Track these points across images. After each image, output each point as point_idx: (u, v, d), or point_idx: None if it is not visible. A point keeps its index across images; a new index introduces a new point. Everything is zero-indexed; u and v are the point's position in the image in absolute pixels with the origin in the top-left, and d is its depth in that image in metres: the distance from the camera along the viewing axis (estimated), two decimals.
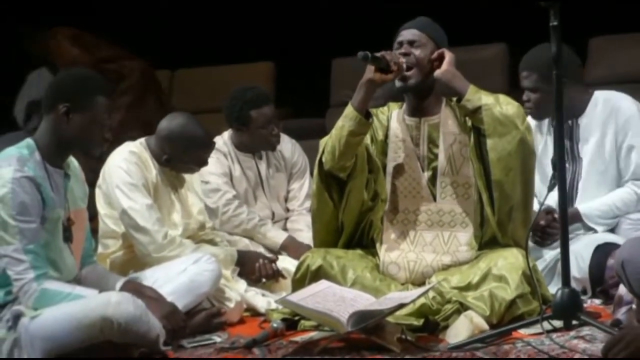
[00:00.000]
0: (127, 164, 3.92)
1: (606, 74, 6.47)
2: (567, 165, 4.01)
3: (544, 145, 4.13)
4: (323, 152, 3.69)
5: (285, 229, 4.63)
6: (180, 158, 3.99)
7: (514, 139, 3.56)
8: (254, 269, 4.16)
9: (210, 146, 4.07)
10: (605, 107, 4.04)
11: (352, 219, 3.78)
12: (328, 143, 3.67)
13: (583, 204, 4.02)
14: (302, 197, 4.68)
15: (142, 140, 4.07)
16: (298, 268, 3.73)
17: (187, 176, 4.14)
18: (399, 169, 3.77)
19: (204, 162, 4.05)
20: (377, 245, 3.78)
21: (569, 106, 3.96)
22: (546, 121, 4.15)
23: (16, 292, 3.20)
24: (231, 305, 3.86)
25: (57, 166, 3.35)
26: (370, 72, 3.56)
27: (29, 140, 3.32)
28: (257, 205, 4.58)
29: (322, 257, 3.69)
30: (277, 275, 4.19)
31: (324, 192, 3.75)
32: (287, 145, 4.71)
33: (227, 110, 4.51)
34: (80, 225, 3.45)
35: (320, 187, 3.75)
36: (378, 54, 3.54)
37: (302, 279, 3.67)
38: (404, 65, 3.63)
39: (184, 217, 4.08)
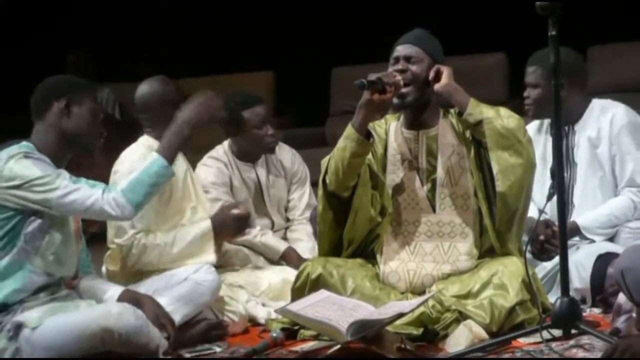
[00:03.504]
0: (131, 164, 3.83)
1: (605, 82, 6.45)
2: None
3: (543, 149, 4.13)
4: (326, 172, 3.69)
5: (285, 238, 4.63)
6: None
7: (516, 151, 3.57)
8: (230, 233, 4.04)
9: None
10: (601, 114, 4.07)
11: (361, 235, 3.79)
12: (330, 164, 3.67)
13: (581, 217, 4.02)
14: (303, 207, 4.67)
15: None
16: (298, 277, 3.73)
17: (185, 164, 4.08)
18: (398, 182, 3.78)
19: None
20: (378, 256, 3.78)
21: (569, 112, 4.00)
22: (545, 126, 4.16)
23: (108, 216, 3.30)
24: (236, 318, 3.86)
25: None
26: (368, 93, 3.56)
27: (25, 143, 3.34)
28: (257, 214, 4.57)
29: (322, 266, 3.69)
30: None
31: (329, 211, 3.76)
32: (287, 155, 4.70)
33: None
34: (78, 231, 3.47)
35: (326, 207, 3.75)
36: (373, 78, 3.53)
37: (302, 288, 3.68)
38: (401, 83, 3.62)
39: (195, 202, 4.05)
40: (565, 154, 4.07)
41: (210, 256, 3.85)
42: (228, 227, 3.92)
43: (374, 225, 3.77)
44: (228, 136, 4.54)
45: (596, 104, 4.12)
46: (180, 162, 3.97)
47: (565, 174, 4.06)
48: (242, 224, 3.93)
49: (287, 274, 4.22)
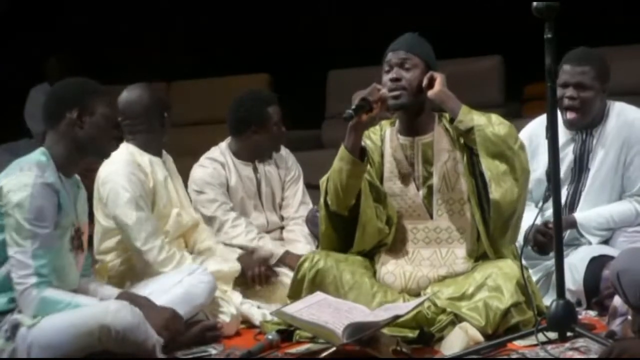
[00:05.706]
0: (123, 178, 3.90)
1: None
2: (574, 174, 4.05)
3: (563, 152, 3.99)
4: (327, 193, 3.70)
5: (281, 238, 4.62)
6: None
7: (508, 159, 3.57)
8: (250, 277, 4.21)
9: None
10: (618, 119, 4.03)
11: (370, 246, 3.79)
12: (330, 185, 3.67)
13: (581, 213, 4.01)
14: (296, 205, 4.65)
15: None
16: (297, 269, 3.73)
17: (170, 168, 4.13)
18: (394, 189, 3.78)
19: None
20: (376, 258, 3.79)
21: (597, 116, 3.99)
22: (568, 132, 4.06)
23: (17, 297, 3.20)
24: (227, 319, 3.85)
25: (68, 176, 3.38)
26: (357, 117, 3.52)
27: (42, 149, 3.35)
28: (252, 214, 4.56)
29: (322, 260, 3.69)
30: (270, 276, 4.26)
31: (333, 231, 3.78)
32: (282, 154, 4.70)
33: (245, 113, 4.45)
34: (85, 238, 3.47)
35: (329, 227, 3.77)
36: (357, 102, 3.53)
37: (301, 281, 3.69)
38: (387, 94, 3.60)
39: (179, 207, 4.08)
40: (579, 159, 4.05)
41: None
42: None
43: (383, 236, 3.78)
44: (245, 133, 4.50)
45: (612, 107, 4.07)
46: (160, 169, 4.00)
47: (576, 179, 4.04)
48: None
49: (283, 277, 4.23)
